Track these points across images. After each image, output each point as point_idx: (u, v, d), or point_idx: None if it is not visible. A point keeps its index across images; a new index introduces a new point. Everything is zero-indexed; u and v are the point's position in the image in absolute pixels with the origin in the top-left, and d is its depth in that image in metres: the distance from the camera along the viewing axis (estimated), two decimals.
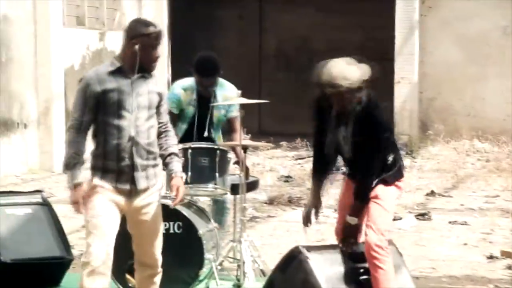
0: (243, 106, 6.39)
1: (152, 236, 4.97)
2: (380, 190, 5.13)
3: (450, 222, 8.96)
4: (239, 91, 6.48)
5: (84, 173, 4.72)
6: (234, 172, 6.67)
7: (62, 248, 6.28)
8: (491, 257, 7.34)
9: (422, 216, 9.10)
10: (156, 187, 4.94)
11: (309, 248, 5.30)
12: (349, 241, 5.19)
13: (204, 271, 5.94)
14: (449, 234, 8.41)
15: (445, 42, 14.37)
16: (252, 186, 6.82)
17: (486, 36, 14.61)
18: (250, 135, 6.53)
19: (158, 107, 4.92)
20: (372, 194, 5.12)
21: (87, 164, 4.79)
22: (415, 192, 10.58)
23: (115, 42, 14.55)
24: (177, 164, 4.98)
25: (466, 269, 7.04)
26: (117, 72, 4.84)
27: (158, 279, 5.07)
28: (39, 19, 12.56)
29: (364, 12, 17.00)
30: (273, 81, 18.55)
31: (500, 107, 14.58)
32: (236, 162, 6.49)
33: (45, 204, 6.39)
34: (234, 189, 6.39)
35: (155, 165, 4.90)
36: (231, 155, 6.45)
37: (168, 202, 5.84)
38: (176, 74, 16.39)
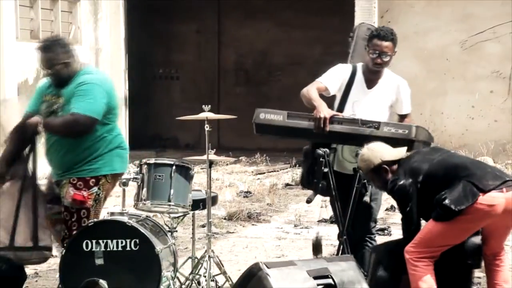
0: (209, 122, 6.30)
1: None
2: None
3: None
4: (209, 106, 6.36)
5: None
6: (195, 188, 6.60)
7: None
8: None
9: (382, 231, 9.04)
10: None
11: (269, 265, 5.20)
12: None
13: None
14: None
15: (404, 56, 14.36)
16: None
17: (445, 51, 14.70)
18: (214, 149, 6.42)
19: None
20: None
21: None
22: None
23: None
24: None
25: None
26: None
27: None
28: None
29: (323, 26, 17.02)
30: (232, 95, 18.50)
31: (459, 122, 14.66)
32: None
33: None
34: (193, 204, 6.28)
35: None
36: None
37: (124, 219, 5.75)
38: (133, 89, 16.28)
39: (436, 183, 5.25)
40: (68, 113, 5.77)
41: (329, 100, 5.99)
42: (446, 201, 5.13)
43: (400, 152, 5.46)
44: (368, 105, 5.98)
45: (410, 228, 5.35)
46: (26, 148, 5.85)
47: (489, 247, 5.45)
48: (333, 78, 6.00)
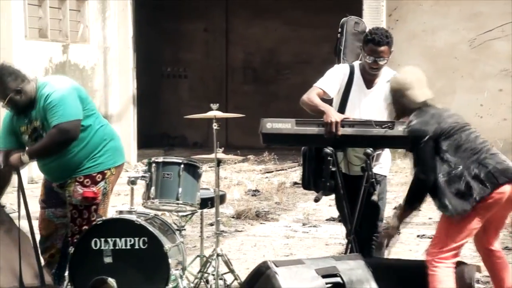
0: (217, 120, 6.31)
1: None
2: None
3: (418, 236, 8.91)
4: (217, 104, 6.36)
5: None
6: (203, 187, 6.62)
7: None
8: None
9: None
10: None
11: (277, 263, 5.20)
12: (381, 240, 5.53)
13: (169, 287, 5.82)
14: (417, 248, 8.36)
15: (413, 55, 14.37)
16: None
17: (453, 49, 14.67)
18: (223, 148, 6.42)
19: None
20: None
21: None
22: None
23: (79, 55, 14.39)
24: None
25: None
26: None
27: None
28: (1, 31, 12.37)
29: (331, 25, 16.95)
30: (240, 94, 18.50)
31: (468, 120, 14.60)
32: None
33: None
34: (201, 203, 6.29)
35: None
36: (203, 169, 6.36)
37: (133, 217, 5.76)
38: (141, 87, 16.29)
39: (451, 146, 5.27)
40: (50, 129, 5.72)
41: (327, 103, 5.97)
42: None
43: (426, 95, 5.48)
44: (369, 105, 5.95)
45: (423, 171, 5.28)
46: (7, 187, 5.84)
47: (486, 240, 5.49)
48: (332, 81, 5.96)
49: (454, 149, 5.28)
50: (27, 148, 5.83)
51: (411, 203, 5.42)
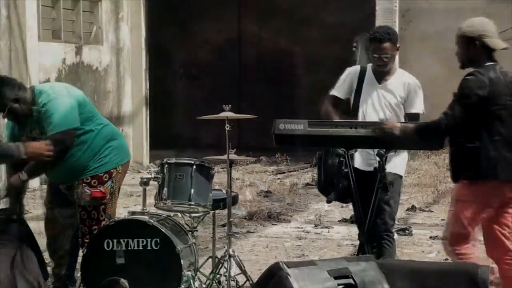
0: (229, 121, 6.32)
1: None
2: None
3: (431, 237, 8.90)
4: (229, 105, 6.37)
5: None
6: (216, 188, 6.63)
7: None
8: None
9: (403, 231, 9.03)
10: None
11: (289, 264, 5.19)
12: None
13: None
14: (430, 249, 8.35)
15: (426, 55, 14.35)
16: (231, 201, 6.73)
17: None
18: (235, 149, 6.44)
19: None
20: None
21: None
22: None
23: (92, 56, 14.42)
24: None
25: None
26: None
27: None
28: (15, 32, 12.41)
29: (344, 25, 17.00)
30: (253, 94, 18.49)
31: None
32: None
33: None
34: (213, 204, 6.30)
35: None
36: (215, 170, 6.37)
37: (145, 218, 5.77)
38: (153, 88, 16.32)
39: (486, 120, 5.22)
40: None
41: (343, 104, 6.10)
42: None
43: (499, 46, 5.35)
44: (380, 99, 6.12)
45: (451, 126, 5.24)
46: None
47: None
48: (343, 85, 6.19)
49: (487, 124, 5.23)
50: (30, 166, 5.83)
51: (419, 135, 5.41)
